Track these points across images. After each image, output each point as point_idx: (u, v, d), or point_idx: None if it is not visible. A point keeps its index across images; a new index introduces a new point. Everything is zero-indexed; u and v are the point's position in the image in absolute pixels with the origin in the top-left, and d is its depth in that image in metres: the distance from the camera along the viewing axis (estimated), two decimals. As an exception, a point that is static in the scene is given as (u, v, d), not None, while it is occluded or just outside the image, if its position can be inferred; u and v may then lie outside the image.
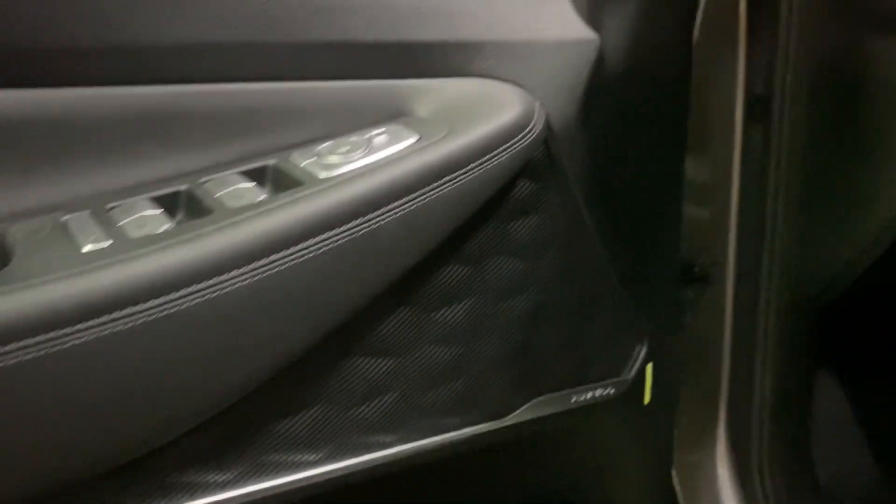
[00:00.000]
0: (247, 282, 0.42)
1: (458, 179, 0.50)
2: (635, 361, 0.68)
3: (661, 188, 0.70)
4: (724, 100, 0.84)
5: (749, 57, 0.81)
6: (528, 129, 0.53)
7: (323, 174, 0.47)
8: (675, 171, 0.71)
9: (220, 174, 0.48)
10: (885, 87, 0.72)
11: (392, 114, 0.54)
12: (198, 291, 0.41)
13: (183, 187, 0.47)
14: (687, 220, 0.90)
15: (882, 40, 0.71)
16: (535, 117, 0.54)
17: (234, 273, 0.42)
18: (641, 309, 0.68)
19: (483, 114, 0.53)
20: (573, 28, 0.57)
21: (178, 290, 0.40)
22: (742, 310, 0.88)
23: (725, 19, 0.81)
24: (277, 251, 0.43)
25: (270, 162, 0.49)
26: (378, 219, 0.46)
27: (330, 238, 0.44)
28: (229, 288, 0.42)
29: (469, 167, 0.50)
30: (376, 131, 0.50)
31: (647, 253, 0.70)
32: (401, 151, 0.49)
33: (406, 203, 0.47)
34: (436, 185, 0.49)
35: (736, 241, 0.88)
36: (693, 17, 0.72)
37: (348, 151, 0.48)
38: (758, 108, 0.81)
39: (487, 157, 0.51)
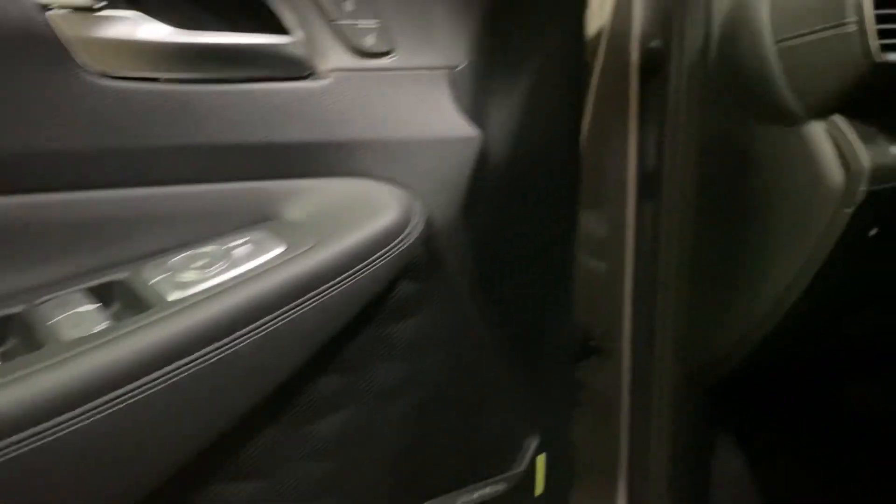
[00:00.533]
0: (80, 424, 0.38)
1: (327, 292, 0.47)
2: (527, 452, 0.66)
3: (551, 276, 0.69)
4: (618, 176, 0.85)
5: (641, 136, 0.82)
6: (406, 232, 0.51)
7: (175, 294, 0.43)
8: (566, 257, 0.70)
9: (61, 293, 0.44)
10: (763, 169, 0.74)
11: (260, 217, 0.51)
12: (25, 440, 0.37)
13: (15, 310, 0.43)
14: (584, 295, 0.90)
15: (759, 127, 0.73)
16: (414, 218, 0.52)
17: (66, 416, 0.37)
18: (534, 398, 0.67)
19: (358, 217, 0.50)
20: (455, 125, 0.55)
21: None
22: (638, 382, 0.89)
23: (619, 101, 0.83)
24: (118, 387, 0.39)
25: (120, 277, 0.45)
26: (235, 342, 0.43)
27: (179, 368, 0.41)
28: (62, 432, 0.37)
29: (340, 279, 0.47)
30: (238, 241, 0.47)
31: (538, 341, 0.69)
32: (264, 265, 0.46)
33: (268, 323, 0.44)
34: (303, 300, 0.46)
35: (631, 315, 0.88)
36: (580, 107, 0.73)
37: (205, 266, 0.45)
38: (649, 184, 0.83)
39: (361, 265, 0.48)
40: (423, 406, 0.57)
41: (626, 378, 0.90)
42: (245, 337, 0.43)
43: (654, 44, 0.79)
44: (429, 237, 0.53)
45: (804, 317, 0.77)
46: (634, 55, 0.81)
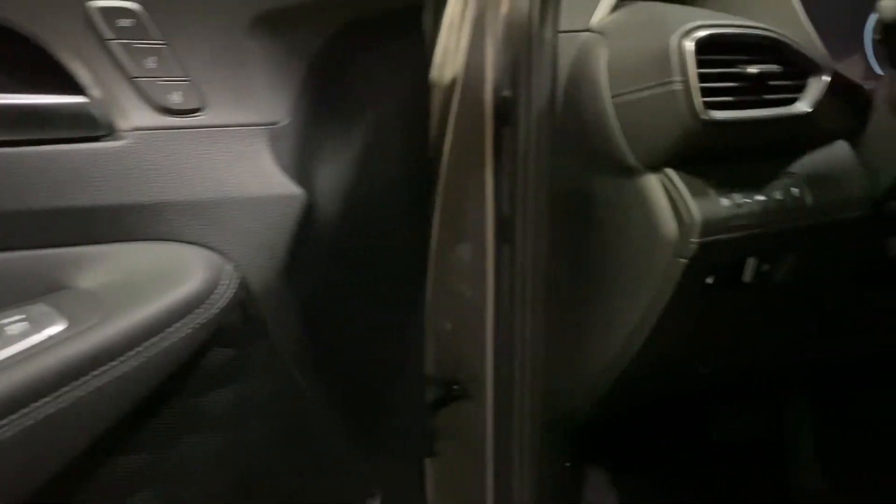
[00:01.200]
0: None
1: (116, 368, 0.44)
2: (367, 514, 0.64)
3: (395, 333, 0.68)
4: (477, 223, 0.85)
5: (496, 183, 0.82)
6: (213, 297, 0.49)
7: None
8: (413, 311, 0.69)
9: None
10: (607, 218, 0.75)
11: (51, 287, 0.48)
12: None
13: None
14: (448, 337, 0.89)
15: (601, 177, 0.74)
16: (224, 282, 0.50)
17: None
18: (376, 458, 0.65)
19: (157, 284, 0.48)
20: (274, 184, 0.53)
21: None
22: (502, 426, 0.88)
23: (476, 147, 0.82)
24: None
25: None
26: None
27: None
28: None
29: (132, 352, 0.45)
30: (13, 318, 0.44)
31: (380, 400, 0.67)
32: (41, 344, 0.43)
33: (40, 407, 0.41)
34: (83, 379, 0.43)
35: (493, 360, 0.88)
36: (426, 158, 0.72)
37: (-30, 347, 0.42)
38: (505, 231, 0.83)
39: (157, 336, 0.46)
40: (246, 478, 0.54)
41: (490, 422, 0.90)
42: (11, 425, 0.40)
43: (506, 93, 0.79)
44: (243, 301, 0.50)
45: (650, 361, 0.78)
46: (489, 103, 0.81)
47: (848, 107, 0.76)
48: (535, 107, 0.76)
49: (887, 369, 1.21)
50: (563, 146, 0.76)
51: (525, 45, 0.74)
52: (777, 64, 0.67)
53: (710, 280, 0.72)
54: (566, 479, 0.94)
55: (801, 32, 0.71)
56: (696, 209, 0.67)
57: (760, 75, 0.65)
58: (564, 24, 0.75)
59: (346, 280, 0.61)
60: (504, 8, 0.77)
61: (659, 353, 0.78)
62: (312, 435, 0.58)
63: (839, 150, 0.76)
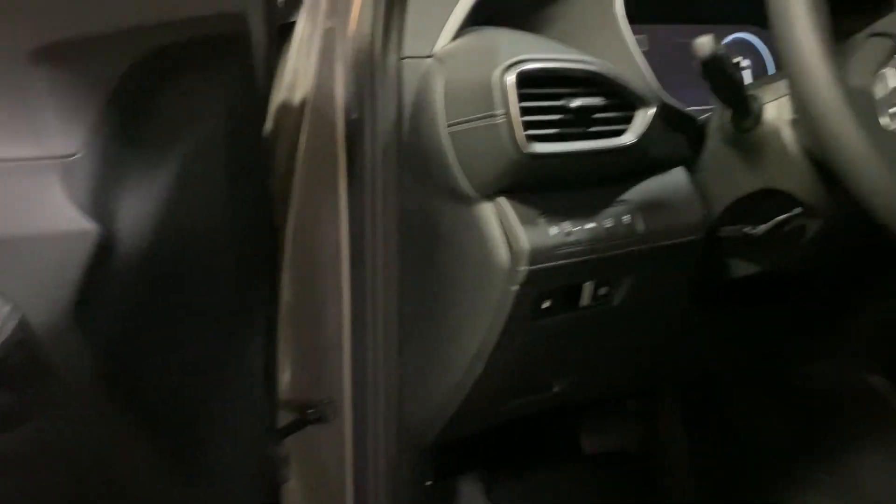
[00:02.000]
0: None
1: None
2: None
3: (234, 358, 0.67)
4: (332, 246, 0.85)
5: (350, 206, 0.82)
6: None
7: None
8: (247, 341, 0.69)
9: None
10: (449, 244, 0.76)
11: None
12: None
13: None
14: (303, 360, 0.88)
15: (442, 203, 0.75)
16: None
17: None
18: (208, 496, 0.64)
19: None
20: (64, 220, 0.52)
21: None
22: (359, 448, 0.89)
23: (329, 171, 0.82)
24: None
25: None
26: None
27: None
28: None
29: None
30: None
31: (212, 434, 0.66)
32: None
33: None
34: None
35: (350, 380, 0.88)
36: (260, 184, 0.72)
37: None
38: (358, 254, 0.83)
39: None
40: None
41: (348, 444, 0.90)
42: None
43: (355, 116, 0.79)
44: (23, 341, 0.49)
45: (497, 381, 0.79)
46: (339, 126, 0.81)
47: (682, 136, 0.79)
48: (380, 131, 0.77)
49: (754, 377, 1.26)
50: (408, 172, 0.77)
51: (369, 69, 0.75)
52: (602, 97, 0.69)
53: (546, 304, 0.74)
54: (427, 497, 0.94)
55: (632, 66, 0.74)
56: (524, 238, 0.68)
57: (583, 108, 0.67)
58: (409, 49, 0.75)
59: (162, 310, 0.60)
60: (350, 32, 0.77)
61: (504, 373, 0.79)
62: (128, 475, 0.57)
63: (675, 178, 0.79)
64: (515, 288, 0.70)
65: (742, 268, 0.83)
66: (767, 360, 1.16)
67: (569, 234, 0.70)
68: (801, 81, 0.57)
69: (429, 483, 0.94)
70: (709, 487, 1.26)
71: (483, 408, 0.86)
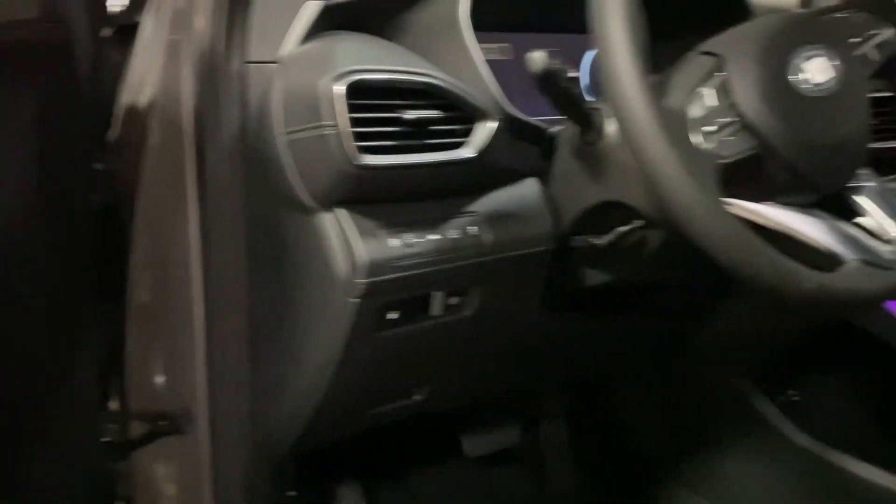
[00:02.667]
0: None
1: None
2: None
3: (46, 367, 0.65)
4: (182, 252, 0.82)
5: (201, 210, 0.80)
6: None
7: None
8: (62, 352, 0.66)
9: None
10: (293, 254, 0.75)
11: None
12: None
13: None
14: (165, 366, 0.86)
15: (285, 212, 0.73)
16: None
17: None
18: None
19: None
20: None
21: None
22: (217, 458, 0.87)
23: (177, 174, 0.80)
24: None
25: None
26: None
27: None
28: None
29: None
30: None
31: (29, 454, 0.63)
32: None
33: None
34: None
35: (205, 388, 0.86)
36: (82, 189, 0.69)
37: None
38: (207, 257, 0.81)
39: None
40: None
41: (205, 456, 0.88)
42: None
43: (201, 119, 0.77)
44: None
45: (348, 391, 0.79)
46: (188, 129, 0.79)
47: (533, 148, 0.79)
48: (224, 136, 0.75)
49: (635, 378, 1.29)
50: (251, 179, 0.75)
51: (213, 73, 0.73)
52: (439, 109, 0.69)
53: (393, 315, 0.73)
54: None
55: (475, 77, 0.74)
56: (363, 250, 0.68)
57: (419, 121, 0.67)
58: (255, 54, 0.74)
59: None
60: (195, 34, 0.75)
61: (356, 382, 0.78)
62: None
63: (526, 189, 0.79)
64: (355, 300, 0.69)
65: (593, 277, 0.84)
66: (642, 362, 1.19)
67: (410, 245, 0.70)
68: (616, 103, 0.59)
69: (292, 494, 0.93)
70: (592, 485, 1.29)
71: (340, 417, 0.85)
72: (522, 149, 0.78)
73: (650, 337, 1.01)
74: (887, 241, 0.70)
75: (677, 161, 0.57)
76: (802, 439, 1.06)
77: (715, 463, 1.18)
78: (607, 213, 0.76)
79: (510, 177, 0.78)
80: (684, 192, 0.58)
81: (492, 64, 0.92)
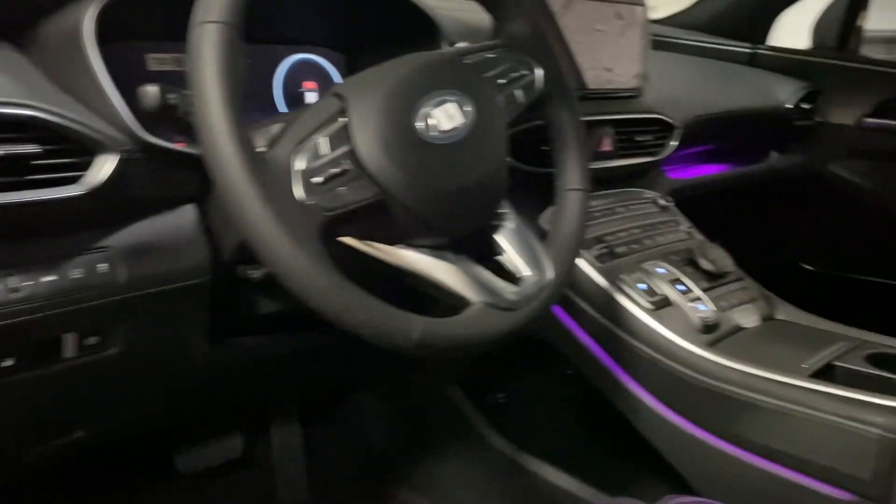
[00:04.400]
0: None
1: None
2: None
3: None
4: None
5: None
6: None
7: None
8: None
9: None
10: None
11: None
12: None
13: None
14: None
15: None
16: None
17: None
18: None
19: None
20: None
21: None
22: None
23: None
24: None
25: None
26: None
27: None
28: None
29: None
30: None
31: None
32: None
33: None
34: None
35: None
36: None
37: None
38: None
39: None
40: None
41: None
42: None
43: None
44: None
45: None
46: None
47: (183, 175, 0.74)
48: None
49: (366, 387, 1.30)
50: None
51: None
52: (47, 143, 0.62)
53: (8, 363, 0.67)
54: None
55: (103, 102, 0.67)
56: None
57: (12, 156, 0.60)
58: None
59: None
60: None
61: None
62: None
63: (180, 218, 0.74)
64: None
65: (266, 305, 0.82)
66: (364, 372, 1.19)
67: (16, 290, 0.63)
68: (210, 161, 0.56)
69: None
70: (323, 491, 1.29)
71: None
72: (170, 176, 0.73)
73: (351, 352, 1.01)
74: (520, 280, 0.73)
75: (271, 220, 0.55)
76: (501, 443, 1.11)
77: (434, 465, 1.22)
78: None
79: (158, 205, 0.73)
80: (280, 253, 0.56)
81: (166, 75, 0.86)
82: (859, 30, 1.68)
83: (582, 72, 1.08)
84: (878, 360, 0.87)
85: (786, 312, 1.03)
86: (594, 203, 1.07)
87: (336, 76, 1.00)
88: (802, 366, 0.85)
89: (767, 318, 1.01)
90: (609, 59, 1.11)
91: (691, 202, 1.36)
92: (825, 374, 0.85)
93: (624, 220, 1.07)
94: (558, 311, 0.99)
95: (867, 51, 1.78)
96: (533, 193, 0.89)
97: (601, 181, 1.11)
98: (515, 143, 0.96)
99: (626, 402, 0.94)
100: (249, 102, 0.93)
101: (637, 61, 1.14)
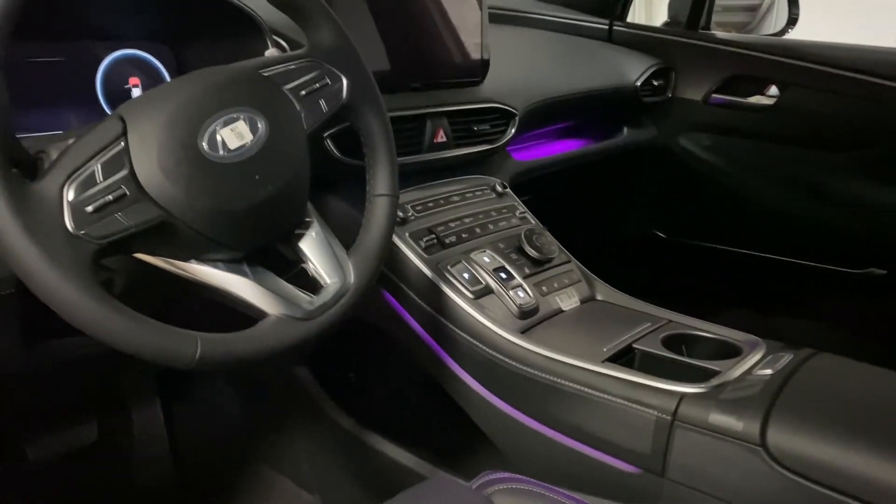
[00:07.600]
0: None
1: None
2: None
3: None
4: None
5: None
6: None
7: None
8: None
9: None
10: None
11: None
12: None
13: None
14: None
15: None
16: None
17: None
18: None
19: None
20: None
21: None
22: None
23: None
24: None
25: None
26: None
27: None
28: None
29: None
30: None
31: None
32: None
33: None
34: None
35: None
36: None
37: None
38: None
39: None
40: None
41: None
42: None
43: None
44: None
45: None
46: None
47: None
48: None
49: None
50: None
51: None
52: None
53: None
54: None
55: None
56: None
57: None
58: None
59: None
60: None
61: None
62: None
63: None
64: None
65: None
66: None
67: None
68: None
69: None
70: (183, 471, 1.32)
71: None
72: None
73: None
74: (322, 288, 0.76)
75: (36, 255, 0.57)
76: (346, 421, 1.16)
77: (287, 444, 1.27)
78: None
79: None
80: (49, 287, 0.57)
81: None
82: (712, 5, 1.75)
83: (416, 61, 1.10)
84: (671, 341, 0.96)
85: (604, 293, 1.11)
86: (428, 193, 1.10)
87: (163, 71, 0.99)
88: (603, 349, 0.93)
89: (587, 300, 1.09)
90: (448, 35, 1.11)
91: (544, 179, 1.43)
92: (622, 356, 0.94)
93: (458, 209, 1.11)
94: (391, 300, 1.04)
95: (726, 19, 1.86)
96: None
97: (439, 170, 1.14)
98: (344, 138, 0.99)
99: (453, 385, 1.00)
100: (71, 104, 0.91)
101: (476, 35, 1.15)
